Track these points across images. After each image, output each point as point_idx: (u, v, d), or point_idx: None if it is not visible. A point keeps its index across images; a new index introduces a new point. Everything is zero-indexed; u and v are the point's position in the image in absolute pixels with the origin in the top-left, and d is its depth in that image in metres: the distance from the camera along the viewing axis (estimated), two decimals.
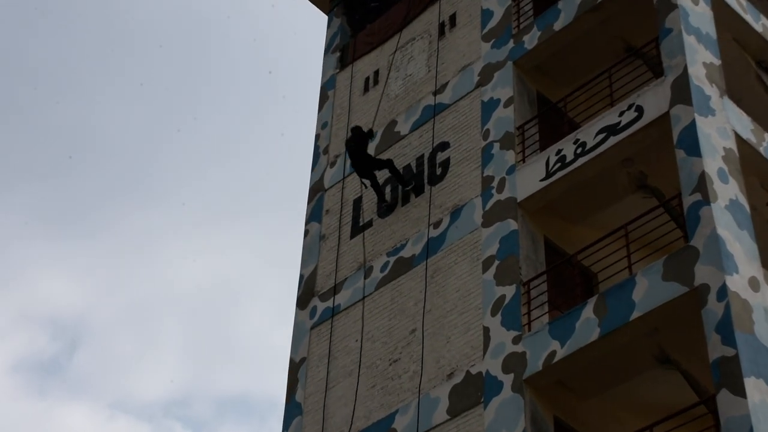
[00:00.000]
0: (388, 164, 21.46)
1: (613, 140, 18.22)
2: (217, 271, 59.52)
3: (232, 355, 59.24)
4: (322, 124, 24.73)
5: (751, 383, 14.47)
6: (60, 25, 63.55)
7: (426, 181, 21.21)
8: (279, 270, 58.75)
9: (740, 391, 14.37)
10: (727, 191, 16.68)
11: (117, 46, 62.33)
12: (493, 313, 18.04)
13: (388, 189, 21.85)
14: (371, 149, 22.83)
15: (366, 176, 21.52)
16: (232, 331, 60.09)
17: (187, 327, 60.38)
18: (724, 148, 17.34)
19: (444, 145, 21.38)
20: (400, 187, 21.63)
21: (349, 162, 23.00)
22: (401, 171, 21.59)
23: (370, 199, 21.99)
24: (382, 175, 22.09)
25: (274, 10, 67.39)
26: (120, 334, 58.80)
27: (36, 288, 59.05)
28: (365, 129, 22.14)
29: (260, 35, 64.03)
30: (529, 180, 19.18)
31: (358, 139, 21.47)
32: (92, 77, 62.47)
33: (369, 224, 21.71)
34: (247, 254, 61.18)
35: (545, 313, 17.69)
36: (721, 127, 17.61)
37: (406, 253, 20.45)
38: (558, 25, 20.62)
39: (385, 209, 21.49)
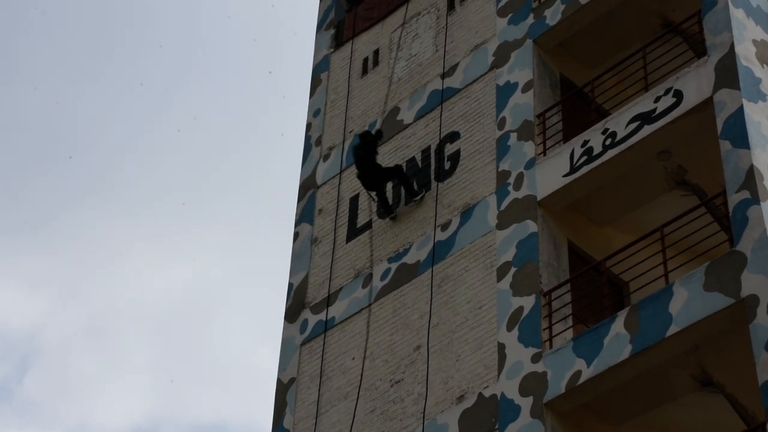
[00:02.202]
0: (398, 172, 21.42)
1: (647, 130, 18.27)
2: (190, 280, 60.35)
3: (208, 377, 59.71)
4: (314, 112, 24.89)
5: None
6: (59, 25, 65.77)
7: (433, 176, 21.30)
8: (262, 279, 59.53)
9: None
10: None
11: (117, 46, 64.73)
12: (509, 328, 18.05)
13: (390, 186, 21.89)
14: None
15: (373, 188, 21.56)
16: (208, 349, 60.58)
17: (155, 344, 61.02)
18: None
19: (453, 136, 21.41)
20: (403, 190, 21.68)
21: (345, 155, 23.16)
22: (409, 177, 21.52)
23: (368, 197, 22.06)
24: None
25: (274, 10, 69.97)
26: (78, 353, 59.52)
27: None
28: (372, 130, 22.19)
29: (260, 35, 66.73)
30: (550, 175, 19.22)
31: (366, 146, 21.48)
32: (92, 77, 64.43)
33: (368, 226, 21.78)
34: (225, 261, 61.94)
35: (569, 328, 17.73)
36: None
37: (410, 258, 20.48)
38: None
39: (392, 220, 21.53)
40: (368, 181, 21.51)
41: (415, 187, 21.35)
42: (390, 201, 21.58)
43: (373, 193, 21.76)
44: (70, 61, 65.28)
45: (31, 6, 63.14)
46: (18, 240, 61.01)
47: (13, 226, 61.37)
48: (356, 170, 21.64)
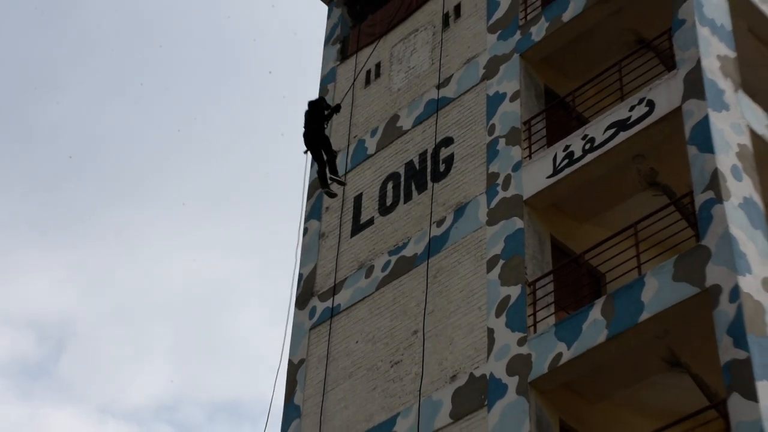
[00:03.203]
0: (330, 154, 20.80)
1: (623, 136, 18.21)
2: (208, 271, 59.89)
3: (224, 358, 59.51)
4: None
5: (763, 387, 14.46)
6: (59, 25, 63.87)
7: (429, 177, 21.24)
8: (272, 270, 59.33)
9: (752, 396, 14.38)
10: (741, 189, 16.67)
11: (117, 46, 62.67)
12: (498, 314, 18.05)
13: (390, 187, 21.86)
14: (372, 144, 22.95)
15: (313, 152, 20.84)
16: (224, 333, 60.40)
17: (176, 329, 60.74)
18: (738, 144, 17.33)
19: (448, 141, 21.37)
20: (402, 185, 21.59)
21: (350, 158, 23.07)
22: (333, 160, 20.94)
23: (371, 196, 22.04)
24: (381, 174, 22.17)
25: (274, 9, 67.81)
26: (107, 337, 59.14)
27: (20, 291, 59.30)
28: (334, 104, 21.58)
29: (260, 35, 64.50)
30: (535, 177, 19.17)
31: (314, 109, 20.86)
32: (92, 77, 62.91)
33: (370, 222, 21.76)
34: (239, 254, 61.47)
35: (551, 314, 17.70)
36: (735, 122, 17.60)
37: (408, 252, 20.47)
38: (567, 16, 20.62)
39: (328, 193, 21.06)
40: (310, 140, 20.72)
41: (336, 172, 20.78)
42: (390, 200, 21.51)
43: (307, 151, 20.93)
44: (69, 60, 63.27)
45: (30, 6, 61.40)
46: (54, 236, 60.77)
47: (50, 224, 61.18)
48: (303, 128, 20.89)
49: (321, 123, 20.74)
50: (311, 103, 20.92)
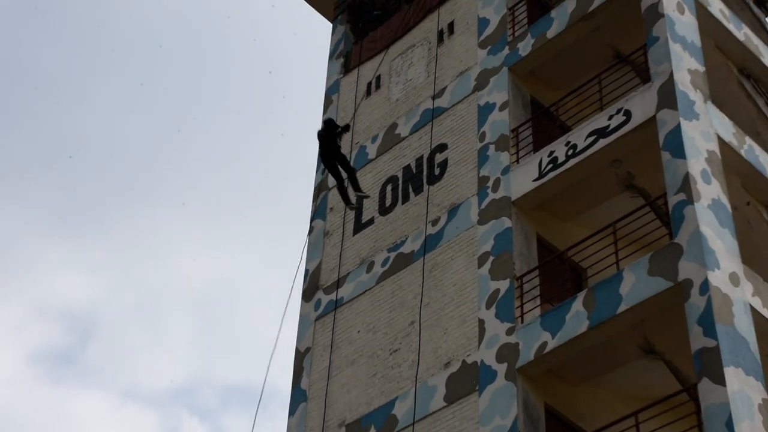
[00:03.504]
0: (352, 172, 20.88)
1: (602, 143, 18.21)
2: (221, 267, 59.49)
3: (236, 346, 59.17)
4: None
5: (730, 373, 14.56)
6: (60, 25, 62.34)
7: (425, 180, 21.16)
8: (279, 267, 58.53)
9: (720, 380, 14.46)
10: (710, 191, 16.73)
11: (117, 46, 61.15)
12: (488, 306, 18.07)
13: (389, 189, 21.84)
14: (372, 150, 22.89)
15: (331, 169, 20.90)
16: (235, 324, 59.84)
17: (193, 320, 60.35)
18: (707, 150, 17.37)
19: (442, 147, 21.36)
20: (400, 187, 21.56)
21: (352, 161, 22.84)
22: (356, 179, 21.06)
23: (371, 198, 21.93)
24: (381, 177, 22.08)
25: (274, 10, 65.64)
26: (130, 327, 58.80)
27: (50, 283, 59.00)
28: (342, 125, 21.50)
29: (260, 35, 62.47)
30: (522, 180, 19.17)
31: (328, 130, 20.84)
32: (92, 77, 61.74)
33: (371, 222, 21.69)
34: (248, 252, 60.95)
35: (537, 306, 17.69)
36: (704, 130, 17.64)
37: (405, 249, 20.45)
38: (551, 33, 20.62)
39: (349, 208, 21.19)
40: (327, 159, 20.77)
41: (360, 188, 20.84)
42: (389, 201, 21.42)
43: (325, 170, 21.04)
44: (71, 62, 61.43)
45: (30, 6, 59.62)
46: (83, 235, 60.29)
47: (78, 224, 60.69)
48: (319, 147, 20.94)
49: (335, 142, 20.70)
50: (325, 123, 20.92)
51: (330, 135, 20.76)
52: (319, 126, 21.10)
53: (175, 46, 62.99)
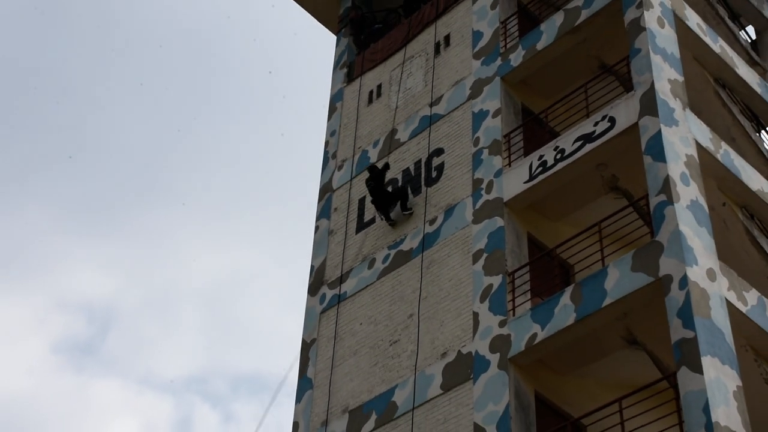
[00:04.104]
0: (402, 194, 20.95)
1: (588, 147, 18.21)
2: (229, 263, 59.49)
3: (245, 337, 59.21)
4: (331, 132, 24.57)
5: (707, 362, 14.60)
6: (60, 25, 61.29)
7: (423, 182, 21.12)
8: (285, 263, 58.48)
9: (698, 369, 14.49)
10: (689, 193, 16.73)
11: (117, 46, 60.09)
12: (482, 300, 18.06)
13: (389, 190, 21.66)
14: (374, 154, 22.79)
15: (383, 209, 21.02)
16: (244, 317, 59.88)
17: (204, 313, 60.29)
18: (686, 154, 17.38)
19: (439, 151, 21.35)
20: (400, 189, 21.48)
21: (355, 166, 22.86)
22: (407, 197, 21.13)
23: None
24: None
25: (274, 9, 64.21)
26: (146, 319, 58.86)
27: (71, 279, 58.99)
28: (379, 164, 21.59)
29: (260, 35, 61.07)
30: (514, 182, 19.16)
31: (376, 178, 20.97)
32: (92, 77, 61.00)
33: (372, 221, 21.64)
34: (255, 249, 60.90)
35: (528, 300, 17.66)
36: (683, 136, 17.64)
37: (405, 246, 20.44)
38: (540, 45, 20.62)
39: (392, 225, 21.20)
40: (380, 204, 20.98)
41: (408, 204, 20.92)
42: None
43: (380, 214, 21.14)
44: (71, 63, 60.53)
45: (30, 6, 58.31)
46: (102, 233, 60.11)
47: (98, 223, 60.44)
48: (371, 197, 21.11)
49: (382, 182, 20.90)
50: (369, 170, 21.05)
51: (377, 178, 20.92)
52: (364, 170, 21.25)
53: (175, 46, 61.90)
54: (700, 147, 17.98)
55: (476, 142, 20.57)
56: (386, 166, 21.28)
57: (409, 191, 21.20)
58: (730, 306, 15.95)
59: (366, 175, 21.62)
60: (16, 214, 58.34)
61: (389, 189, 21.21)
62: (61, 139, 59.47)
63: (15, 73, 59.42)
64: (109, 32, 59.65)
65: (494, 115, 20.57)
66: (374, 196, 20.99)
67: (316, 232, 22.91)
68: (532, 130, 20.32)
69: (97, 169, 58.76)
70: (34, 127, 58.94)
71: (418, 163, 21.65)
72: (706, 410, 14.10)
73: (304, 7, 28.21)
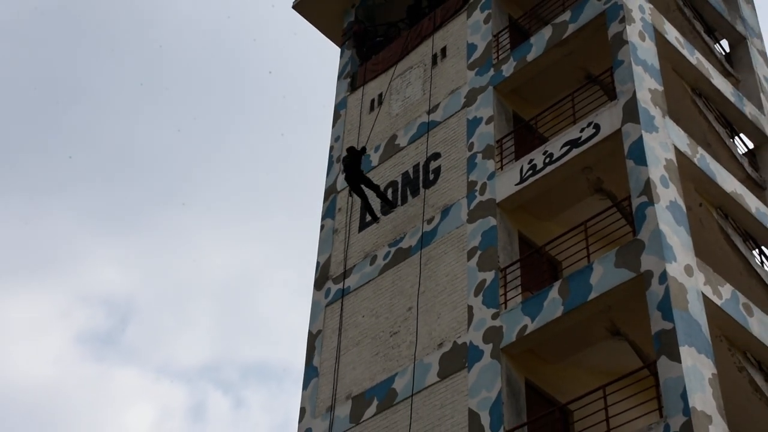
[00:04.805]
0: (377, 188, 21.05)
1: (575, 152, 18.21)
2: (240, 260, 59.46)
3: (255, 328, 59.36)
4: (335, 138, 24.52)
5: (685, 351, 14.63)
6: (60, 26, 60.46)
7: (421, 184, 21.10)
8: (292, 260, 58.42)
9: (676, 358, 14.51)
10: (668, 194, 16.75)
11: (117, 46, 59.19)
12: (476, 294, 18.06)
13: (390, 192, 21.71)
14: (375, 158, 22.73)
15: (356, 190, 21.06)
16: (254, 310, 59.93)
17: (217, 306, 60.26)
18: (666, 158, 17.40)
19: (436, 155, 21.35)
20: (399, 190, 21.44)
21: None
22: (385, 194, 21.23)
23: (374, 200, 21.78)
24: (383, 182, 21.94)
25: (274, 9, 62.71)
26: (163, 312, 58.92)
27: (93, 274, 58.95)
28: (359, 147, 21.62)
29: (260, 35, 59.73)
30: (506, 184, 19.17)
31: (353, 157, 21.02)
32: (92, 77, 60.50)
33: (374, 221, 21.59)
34: (264, 246, 60.78)
35: (519, 294, 17.71)
36: (663, 141, 17.65)
37: (404, 244, 20.44)
38: (530, 57, 20.64)
39: (384, 212, 21.28)
40: (353, 183, 20.99)
41: (390, 199, 20.97)
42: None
43: (354, 195, 21.21)
44: (71, 63, 59.68)
45: (30, 6, 56.96)
46: (122, 231, 60.11)
47: (118, 221, 60.33)
48: (344, 174, 21.08)
49: (359, 165, 20.83)
50: (348, 151, 21.00)
51: (354, 160, 20.85)
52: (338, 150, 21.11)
53: (175, 46, 60.79)
54: (678, 152, 18.00)
55: (471, 147, 20.58)
56: (363, 150, 21.21)
57: (381, 189, 21.28)
58: (706, 299, 15.97)
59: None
60: (45, 218, 58.28)
61: (372, 181, 21.22)
62: (61, 139, 59.24)
63: (15, 73, 59.10)
64: (109, 32, 58.54)
65: (487, 122, 20.59)
66: (348, 172, 20.94)
67: (321, 230, 22.89)
68: (523, 135, 20.32)
69: (123, 177, 58.84)
70: (34, 127, 58.80)
71: (416, 167, 21.65)
72: (684, 396, 14.11)
73: (310, 21, 28.19)
